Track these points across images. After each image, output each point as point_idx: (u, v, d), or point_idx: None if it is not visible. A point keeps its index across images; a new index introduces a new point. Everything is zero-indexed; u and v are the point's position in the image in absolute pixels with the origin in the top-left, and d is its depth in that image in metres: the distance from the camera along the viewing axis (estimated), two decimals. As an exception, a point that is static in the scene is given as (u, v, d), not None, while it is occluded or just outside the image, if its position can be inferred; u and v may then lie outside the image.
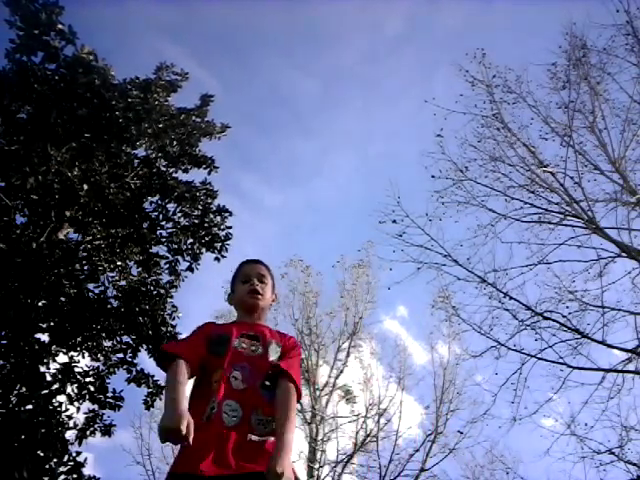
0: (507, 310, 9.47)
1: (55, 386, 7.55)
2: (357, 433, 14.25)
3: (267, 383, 2.03)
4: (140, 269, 9.25)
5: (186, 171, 9.81)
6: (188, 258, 9.28)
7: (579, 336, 9.03)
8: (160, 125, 9.24)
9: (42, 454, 6.42)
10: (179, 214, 9.29)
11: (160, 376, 9.80)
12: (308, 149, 26.76)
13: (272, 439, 1.89)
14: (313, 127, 25.89)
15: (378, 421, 14.07)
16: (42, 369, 7.40)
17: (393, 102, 25.35)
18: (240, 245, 9.38)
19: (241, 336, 2.14)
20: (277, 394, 2.00)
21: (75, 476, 6.81)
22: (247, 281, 2.32)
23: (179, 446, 1.84)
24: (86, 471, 6.96)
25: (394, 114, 24.00)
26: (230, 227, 9.34)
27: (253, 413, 1.94)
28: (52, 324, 7.91)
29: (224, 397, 1.93)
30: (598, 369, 8.91)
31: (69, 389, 8.03)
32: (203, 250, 9.28)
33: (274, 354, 2.14)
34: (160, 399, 9.14)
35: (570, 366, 8.89)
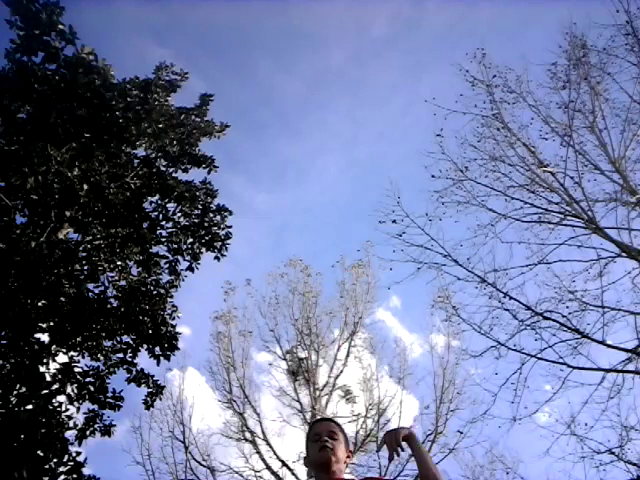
0: (507, 310, 9.45)
1: (55, 386, 7.55)
2: (357, 433, 14.22)
3: None
4: (140, 269, 9.25)
5: (186, 171, 9.82)
6: (188, 258, 9.28)
7: (579, 336, 9.02)
8: (160, 125, 9.25)
9: (42, 454, 6.41)
10: (179, 214, 9.29)
11: (159, 375, 9.86)
12: (295, 151, 26.82)
13: None
14: (300, 129, 25.95)
15: (378, 421, 14.06)
16: (42, 369, 7.40)
17: (380, 103, 25.38)
18: (231, 246, 9.35)
19: None
20: None
21: (75, 476, 6.80)
22: (317, 440, 2.30)
23: None
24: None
25: (381, 115, 24.03)
26: (230, 226, 9.36)
27: None
28: (52, 324, 7.91)
29: None
30: (598, 369, 8.91)
31: (69, 389, 8.05)
32: (203, 250, 9.28)
33: None
34: (160, 399, 9.17)
35: (570, 366, 8.88)
